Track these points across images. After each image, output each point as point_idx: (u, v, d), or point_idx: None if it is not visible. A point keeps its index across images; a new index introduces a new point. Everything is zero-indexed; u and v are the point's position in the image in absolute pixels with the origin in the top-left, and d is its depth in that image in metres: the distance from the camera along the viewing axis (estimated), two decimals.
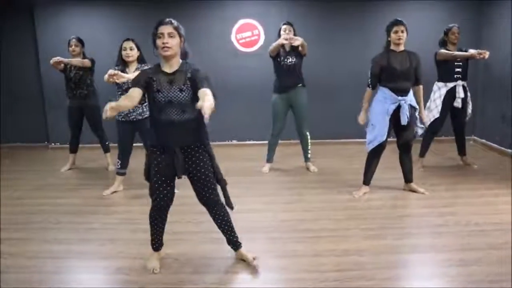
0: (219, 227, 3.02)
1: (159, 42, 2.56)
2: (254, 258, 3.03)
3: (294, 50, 5.05)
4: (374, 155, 4.35)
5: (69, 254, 3.29)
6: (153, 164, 2.76)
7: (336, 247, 3.27)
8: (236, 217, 3.69)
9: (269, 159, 5.47)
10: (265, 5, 6.67)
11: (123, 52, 4.30)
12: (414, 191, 4.46)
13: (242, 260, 3.08)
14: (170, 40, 2.55)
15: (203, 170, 2.77)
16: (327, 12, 6.70)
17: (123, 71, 4.31)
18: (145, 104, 4.39)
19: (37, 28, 6.87)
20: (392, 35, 4.08)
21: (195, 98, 2.50)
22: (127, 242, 3.46)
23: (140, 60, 4.41)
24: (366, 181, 4.46)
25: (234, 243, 3.08)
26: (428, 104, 5.23)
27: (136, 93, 2.58)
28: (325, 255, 3.16)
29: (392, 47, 4.13)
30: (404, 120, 4.12)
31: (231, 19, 6.71)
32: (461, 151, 5.51)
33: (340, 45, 6.78)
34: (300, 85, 5.16)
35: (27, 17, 6.91)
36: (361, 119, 4.28)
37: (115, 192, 4.69)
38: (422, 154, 5.39)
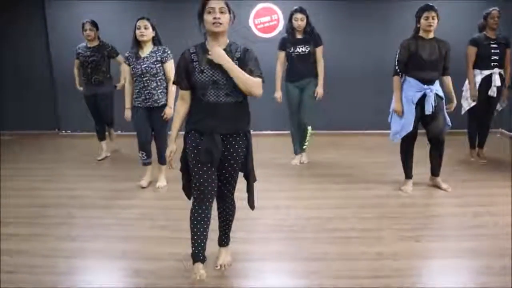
0: (219, 222, 2.81)
1: (209, 17, 2.35)
2: (221, 265, 2.81)
3: (306, 38, 4.78)
4: (406, 147, 4.11)
5: (83, 253, 3.09)
6: (189, 149, 2.50)
7: (369, 250, 3.04)
8: (260, 214, 3.50)
9: (297, 151, 5.21)
10: None
11: (137, 31, 4.04)
12: (438, 186, 4.22)
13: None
14: (222, 15, 2.35)
15: (232, 162, 2.54)
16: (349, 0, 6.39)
17: (137, 53, 4.11)
18: (160, 91, 4.17)
19: (47, 12, 6.64)
20: (422, 21, 3.82)
21: None
22: (145, 241, 3.26)
23: (156, 41, 4.17)
24: (407, 174, 4.22)
25: (223, 241, 2.88)
26: (463, 93, 5.00)
27: (186, 94, 2.53)
28: (358, 258, 2.93)
29: (421, 33, 3.89)
30: (428, 110, 3.87)
31: (249, 3, 6.42)
32: (481, 143, 5.26)
33: (359, 34, 6.47)
34: (314, 75, 4.90)
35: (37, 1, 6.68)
36: (397, 109, 3.97)
37: (150, 181, 4.48)
38: (473, 145, 5.25)
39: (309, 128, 5.02)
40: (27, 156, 5.84)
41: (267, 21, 6.45)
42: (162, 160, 4.43)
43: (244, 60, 2.43)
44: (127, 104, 4.31)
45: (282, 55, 4.92)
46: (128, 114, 4.33)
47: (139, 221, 3.62)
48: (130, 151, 5.77)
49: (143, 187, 4.40)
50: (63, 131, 7.05)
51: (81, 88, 5.43)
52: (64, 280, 2.74)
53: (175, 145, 2.61)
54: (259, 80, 2.42)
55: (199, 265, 2.55)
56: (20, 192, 4.38)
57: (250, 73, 2.40)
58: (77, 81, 5.46)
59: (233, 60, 2.40)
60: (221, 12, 2.34)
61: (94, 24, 5.17)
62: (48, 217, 3.73)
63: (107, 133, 5.70)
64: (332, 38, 5.86)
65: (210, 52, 2.33)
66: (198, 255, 2.53)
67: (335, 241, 3.19)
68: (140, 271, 2.82)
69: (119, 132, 6.12)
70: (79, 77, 5.42)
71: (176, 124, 2.58)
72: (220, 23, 2.34)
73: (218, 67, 2.39)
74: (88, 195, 4.25)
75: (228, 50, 2.43)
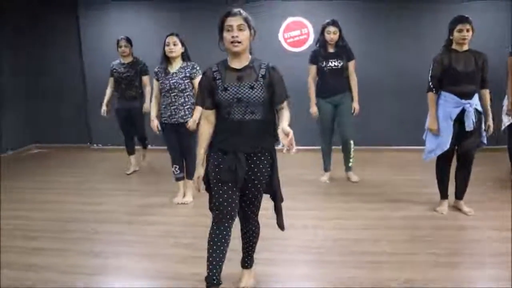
0: (243, 243, 2.70)
1: (227, 36, 2.28)
2: None
3: (338, 52, 4.66)
4: (442, 166, 3.90)
5: (105, 270, 3.06)
6: (211, 168, 2.42)
7: (400, 276, 2.86)
8: (287, 235, 3.29)
9: (327, 168, 5.07)
10: (315, 2, 6.28)
11: (166, 48, 4.06)
12: (459, 209, 3.97)
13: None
14: (240, 33, 2.27)
15: (256, 182, 2.44)
16: (381, 12, 6.24)
17: (166, 68, 4.11)
18: (187, 107, 4.15)
19: (81, 22, 6.83)
20: (456, 33, 3.61)
21: (267, 99, 2.35)
22: (168, 259, 3.19)
23: (185, 57, 4.16)
24: (443, 195, 4.01)
25: (246, 263, 2.77)
26: (504, 107, 4.72)
27: (210, 114, 2.44)
28: (387, 285, 2.76)
29: (455, 46, 3.68)
30: (469, 126, 3.64)
31: (278, 17, 6.38)
32: None
33: (391, 46, 6.31)
34: (348, 90, 4.77)
35: (71, 14, 6.86)
36: (432, 127, 3.78)
37: (184, 197, 4.44)
38: None
39: (352, 142, 4.88)
40: (58, 169, 5.93)
41: (297, 35, 6.38)
42: (190, 176, 4.39)
43: (270, 80, 2.36)
44: (153, 114, 4.31)
45: (313, 69, 4.79)
46: (154, 124, 4.29)
47: (163, 238, 3.56)
48: (159, 165, 5.78)
49: (178, 204, 4.37)
50: (95, 145, 7.14)
51: (105, 109, 5.45)
52: None
53: (202, 169, 2.48)
54: (287, 107, 2.43)
55: None
56: (46, 205, 4.44)
57: (280, 98, 2.39)
58: (105, 102, 5.43)
59: (257, 78, 2.34)
60: (240, 30, 2.27)
61: (128, 41, 5.27)
62: (72, 231, 3.73)
63: (138, 147, 5.73)
64: (363, 50, 5.72)
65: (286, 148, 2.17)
66: (211, 278, 2.36)
67: (364, 265, 3.02)
68: None
69: (148, 146, 6.13)
70: (109, 100, 5.45)
71: (202, 145, 2.47)
72: (239, 42, 2.27)
73: (243, 85, 2.33)
74: (114, 210, 4.25)
75: (251, 66, 2.37)
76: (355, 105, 4.79)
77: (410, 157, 5.89)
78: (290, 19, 6.37)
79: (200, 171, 2.48)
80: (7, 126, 6.71)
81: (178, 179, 4.41)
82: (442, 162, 3.89)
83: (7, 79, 6.72)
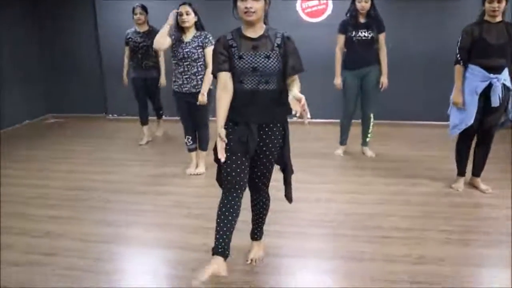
0: (253, 215, 2.69)
1: (241, 5, 2.23)
2: (253, 260, 2.73)
3: (369, 23, 4.49)
4: (464, 142, 3.79)
5: (116, 239, 3.10)
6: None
7: (411, 252, 2.83)
8: (297, 208, 3.30)
9: (343, 142, 4.98)
10: None
11: (179, 18, 4.00)
12: (476, 187, 3.88)
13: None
14: (254, 3, 2.21)
15: (268, 153, 2.41)
16: None
17: (180, 38, 4.06)
18: (200, 77, 4.10)
19: None
20: (486, 4, 3.44)
21: (282, 69, 2.31)
22: (178, 229, 3.22)
23: (198, 26, 4.09)
24: (461, 172, 3.92)
25: (255, 235, 2.78)
26: None
27: (227, 79, 2.32)
28: (397, 260, 2.74)
29: (487, 17, 3.51)
30: (495, 102, 3.51)
31: None
32: None
33: (412, 19, 6.10)
34: (376, 63, 4.61)
35: None
36: (456, 101, 3.65)
37: (197, 168, 4.43)
38: None
39: (372, 116, 4.78)
40: (73, 139, 5.97)
41: (315, 5, 6.21)
42: (202, 147, 4.38)
43: (285, 50, 2.31)
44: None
45: (342, 39, 4.61)
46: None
47: (175, 209, 3.59)
48: (173, 136, 5.81)
49: (191, 174, 4.38)
50: (110, 115, 7.17)
51: (126, 80, 5.50)
52: (96, 265, 2.74)
53: (223, 130, 2.29)
54: (298, 78, 2.37)
55: (216, 258, 2.24)
56: (60, 174, 4.49)
57: (293, 70, 2.32)
58: (125, 73, 5.47)
59: (273, 47, 2.29)
60: (254, 0, 2.20)
61: (144, 9, 5.21)
62: (85, 200, 3.78)
63: (152, 118, 5.74)
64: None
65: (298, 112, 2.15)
66: (217, 248, 2.25)
67: (375, 240, 3.00)
68: (171, 261, 2.79)
69: (163, 117, 6.13)
70: (128, 67, 5.45)
71: (221, 111, 2.31)
72: (253, 12, 2.21)
73: (259, 54, 2.28)
74: (128, 180, 4.28)
75: (267, 36, 2.31)
76: (384, 79, 4.64)
77: (428, 132, 5.80)
78: None
79: (220, 130, 2.27)
80: (24, 97, 6.78)
81: (190, 150, 4.41)
82: (463, 138, 3.78)
83: (22, 51, 6.75)
